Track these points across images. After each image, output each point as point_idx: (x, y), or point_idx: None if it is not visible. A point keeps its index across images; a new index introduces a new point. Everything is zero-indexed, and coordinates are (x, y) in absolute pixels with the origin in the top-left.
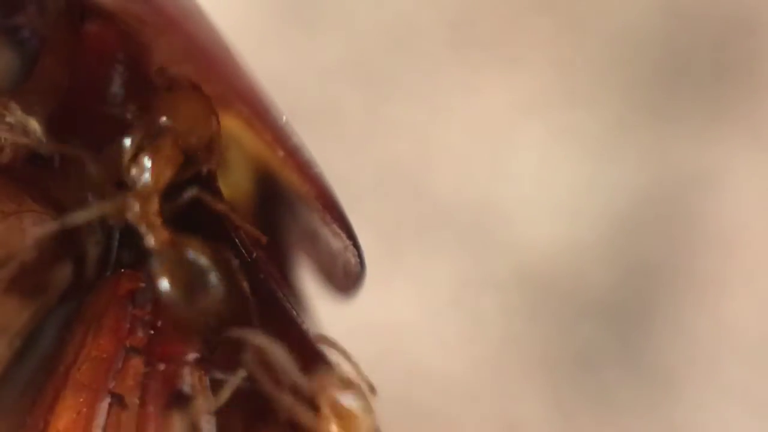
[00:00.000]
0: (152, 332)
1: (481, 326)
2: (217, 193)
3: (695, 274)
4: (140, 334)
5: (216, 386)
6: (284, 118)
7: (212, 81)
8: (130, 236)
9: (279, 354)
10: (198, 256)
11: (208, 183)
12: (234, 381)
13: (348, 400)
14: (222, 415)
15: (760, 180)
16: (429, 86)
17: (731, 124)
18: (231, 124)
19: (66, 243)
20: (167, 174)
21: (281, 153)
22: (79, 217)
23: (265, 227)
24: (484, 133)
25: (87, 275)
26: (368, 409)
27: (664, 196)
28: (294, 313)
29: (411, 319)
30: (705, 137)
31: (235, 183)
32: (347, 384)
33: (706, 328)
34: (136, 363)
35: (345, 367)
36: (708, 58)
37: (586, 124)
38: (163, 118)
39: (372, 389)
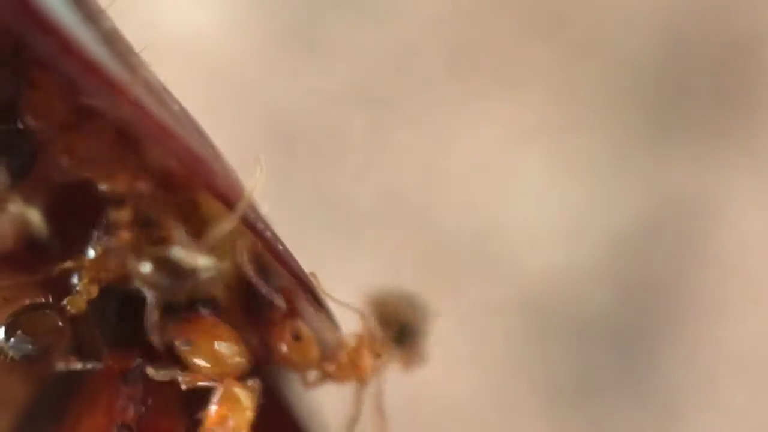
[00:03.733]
0: (143, 409)
1: (484, 350)
2: None
3: (695, 298)
4: (132, 411)
5: None
6: (265, 208)
7: (194, 188)
8: (127, 313)
9: None
10: None
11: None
12: None
13: None
14: None
15: (760, 202)
16: (431, 112)
17: (730, 147)
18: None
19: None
20: None
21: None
22: None
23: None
24: (485, 158)
25: (84, 352)
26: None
27: (664, 220)
28: None
29: None
30: (704, 161)
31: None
32: None
33: (706, 351)
34: None
35: None
36: (707, 82)
37: (587, 150)
38: None
39: None
